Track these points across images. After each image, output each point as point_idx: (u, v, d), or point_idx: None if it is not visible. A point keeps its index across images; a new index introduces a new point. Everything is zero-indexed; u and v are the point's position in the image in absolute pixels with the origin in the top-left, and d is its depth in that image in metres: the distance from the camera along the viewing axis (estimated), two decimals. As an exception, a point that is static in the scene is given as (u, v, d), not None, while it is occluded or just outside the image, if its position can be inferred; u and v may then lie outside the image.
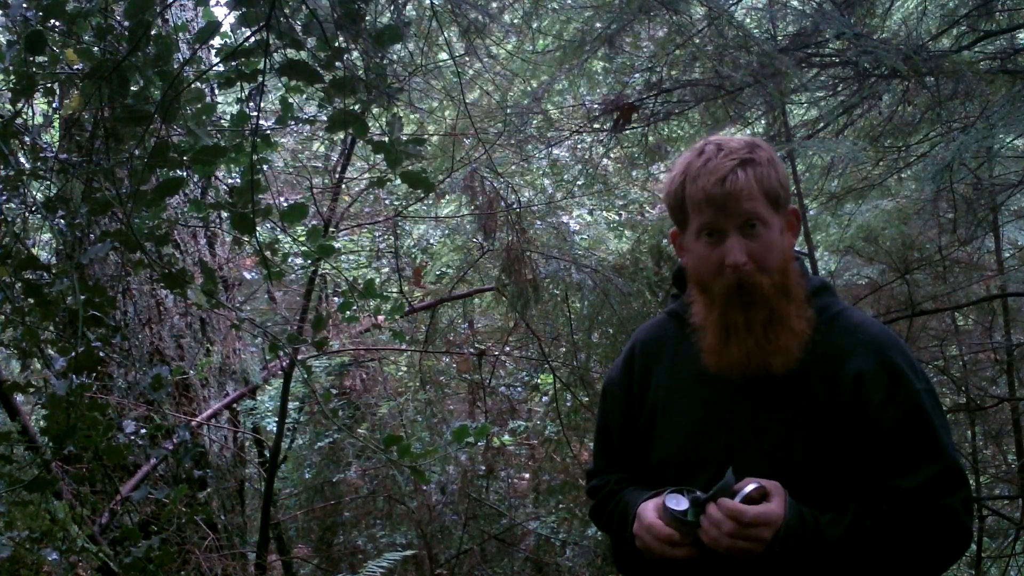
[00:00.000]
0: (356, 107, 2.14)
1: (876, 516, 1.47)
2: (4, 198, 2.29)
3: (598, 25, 3.38)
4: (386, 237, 5.24)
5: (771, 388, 1.55)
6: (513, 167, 4.27)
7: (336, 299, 4.66)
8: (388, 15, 2.75)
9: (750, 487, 1.45)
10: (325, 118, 2.19)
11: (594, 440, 1.88)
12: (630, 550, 1.61)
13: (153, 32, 2.04)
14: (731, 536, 1.43)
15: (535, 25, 3.66)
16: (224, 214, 3.15)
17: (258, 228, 2.22)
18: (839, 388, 1.52)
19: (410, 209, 4.64)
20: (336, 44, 2.03)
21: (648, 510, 1.54)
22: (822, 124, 3.87)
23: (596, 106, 3.81)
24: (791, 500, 1.47)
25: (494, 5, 3.46)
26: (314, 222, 3.80)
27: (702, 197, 1.52)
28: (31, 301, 2.28)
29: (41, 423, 2.35)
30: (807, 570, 1.47)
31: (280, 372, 4.23)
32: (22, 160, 2.34)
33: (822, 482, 1.50)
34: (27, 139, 2.31)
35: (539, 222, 4.23)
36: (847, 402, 1.51)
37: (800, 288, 1.57)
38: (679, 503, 1.49)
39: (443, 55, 3.51)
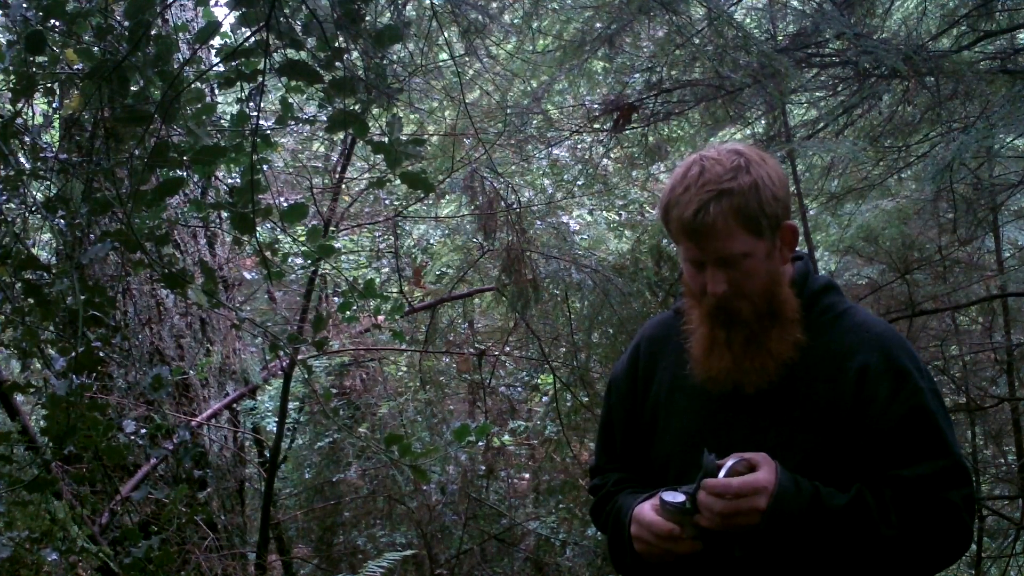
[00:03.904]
0: (356, 107, 2.14)
1: (878, 497, 1.47)
2: (4, 198, 2.29)
3: (598, 25, 3.38)
4: (386, 237, 5.24)
5: (773, 387, 1.55)
6: (513, 167, 4.27)
7: (336, 299, 4.65)
8: (388, 15, 2.75)
9: (732, 461, 1.45)
10: (325, 118, 2.19)
11: (597, 436, 1.88)
12: (627, 550, 1.61)
13: (153, 32, 2.04)
14: (724, 514, 1.42)
15: (535, 25, 3.66)
16: (224, 214, 3.16)
17: (258, 228, 2.22)
18: (842, 386, 1.52)
19: (410, 209, 4.64)
20: (336, 44, 2.03)
21: (646, 510, 1.54)
22: (822, 124, 3.87)
23: (596, 106, 3.81)
24: (785, 471, 1.46)
25: (494, 5, 3.45)
26: (314, 222, 3.80)
27: (679, 227, 1.53)
28: (31, 301, 2.28)
29: (41, 423, 2.35)
30: (804, 547, 1.45)
31: (280, 372, 4.23)
32: (22, 160, 2.34)
33: (824, 480, 1.50)
34: (27, 139, 2.31)
35: (539, 222, 4.23)
36: (850, 398, 1.51)
37: (791, 308, 1.57)
38: (675, 496, 1.49)
39: (443, 55, 3.51)
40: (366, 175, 4.87)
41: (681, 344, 1.67)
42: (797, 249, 1.66)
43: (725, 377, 1.56)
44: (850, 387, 1.52)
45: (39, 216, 2.40)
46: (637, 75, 3.76)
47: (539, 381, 5.38)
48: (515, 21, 3.70)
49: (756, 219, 1.50)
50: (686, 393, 1.65)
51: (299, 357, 3.38)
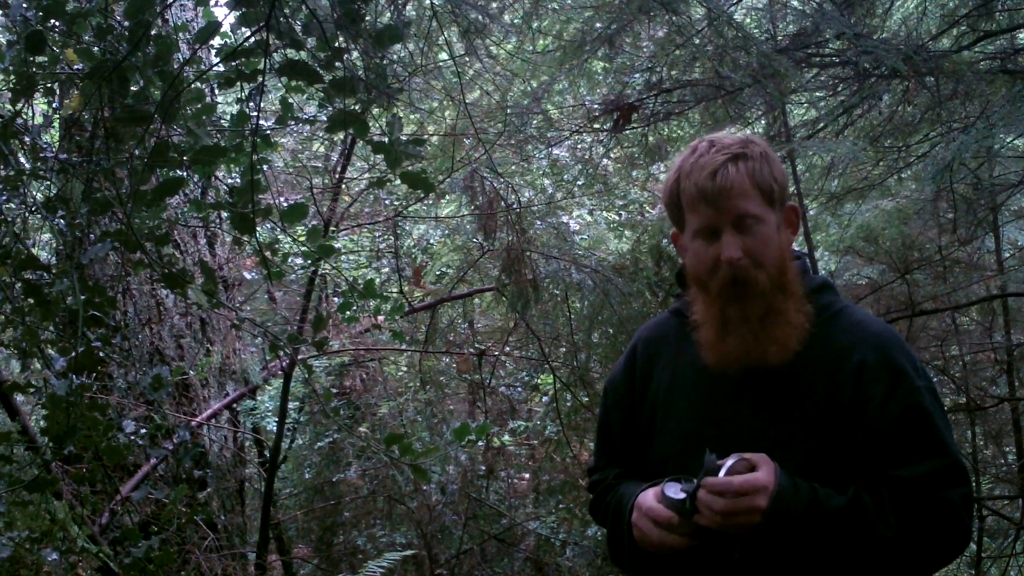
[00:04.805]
0: (356, 107, 2.14)
1: (876, 497, 1.47)
2: (4, 198, 2.29)
3: (598, 25, 3.38)
4: (386, 237, 5.24)
5: (771, 386, 1.55)
6: (513, 167, 4.27)
7: (336, 299, 4.66)
8: (388, 15, 2.75)
9: (732, 461, 1.45)
10: (325, 118, 2.19)
11: (595, 438, 1.88)
12: (626, 541, 1.60)
13: (153, 32, 2.04)
14: (724, 513, 1.42)
15: (535, 25, 3.66)
16: (224, 214, 3.16)
17: (258, 228, 2.22)
18: (840, 385, 1.52)
19: (410, 209, 4.64)
20: (336, 44, 2.03)
21: (648, 498, 1.54)
22: (822, 124, 3.87)
23: (596, 106, 3.81)
24: (783, 471, 1.45)
25: (494, 5, 3.46)
26: (314, 222, 3.80)
27: (695, 192, 1.53)
28: (31, 301, 2.28)
29: (41, 423, 2.35)
30: (802, 548, 1.45)
31: (280, 372, 4.23)
32: (22, 160, 2.34)
33: (822, 481, 1.50)
34: (27, 139, 2.31)
35: (539, 222, 4.23)
36: (848, 397, 1.51)
37: (798, 284, 1.58)
38: (676, 494, 1.49)
39: (443, 55, 3.51)
40: (366, 175, 4.87)
41: (679, 344, 1.67)
42: (796, 249, 1.66)
43: (744, 356, 1.54)
44: (848, 385, 1.52)
45: (39, 216, 2.40)
46: (637, 75, 3.76)
47: (539, 381, 5.38)
48: (515, 21, 3.70)
49: (769, 185, 1.53)
50: (685, 393, 1.65)
51: (299, 357, 3.38)
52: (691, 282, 1.63)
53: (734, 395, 1.58)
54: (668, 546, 1.50)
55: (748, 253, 1.52)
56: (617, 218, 5.21)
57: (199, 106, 2.22)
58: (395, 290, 4.64)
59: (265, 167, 2.50)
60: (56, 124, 3.04)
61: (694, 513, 1.46)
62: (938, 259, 4.31)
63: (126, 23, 2.05)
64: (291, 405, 4.48)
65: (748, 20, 3.97)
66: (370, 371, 5.27)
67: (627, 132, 3.83)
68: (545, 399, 5.25)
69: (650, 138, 3.98)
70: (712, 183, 1.50)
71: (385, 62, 2.19)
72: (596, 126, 3.92)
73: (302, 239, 2.45)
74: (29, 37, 1.99)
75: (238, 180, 2.73)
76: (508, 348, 5.10)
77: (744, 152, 1.52)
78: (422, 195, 3.91)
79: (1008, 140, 3.91)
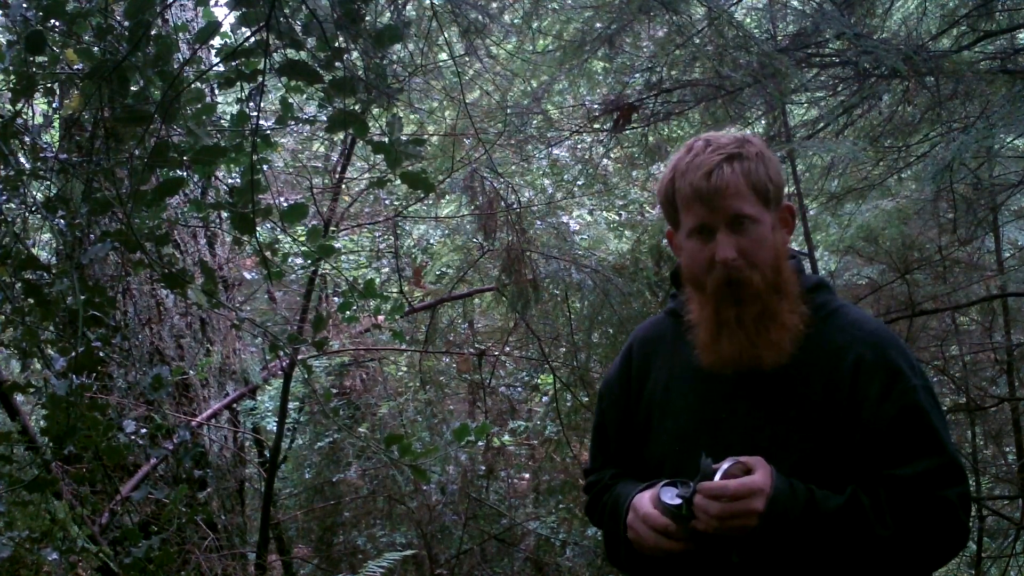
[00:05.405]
0: (356, 107, 2.14)
1: (873, 497, 1.46)
2: (4, 198, 2.29)
3: (598, 25, 3.38)
4: (386, 237, 5.24)
5: (767, 385, 1.55)
6: (513, 167, 4.27)
7: (336, 299, 4.66)
8: (388, 15, 2.75)
9: (727, 464, 1.45)
10: (325, 118, 2.19)
11: (591, 439, 1.88)
12: (622, 541, 1.60)
13: (153, 32, 2.04)
14: (721, 517, 1.42)
15: (535, 25, 3.66)
16: (224, 214, 3.16)
17: (258, 228, 2.22)
18: (837, 384, 1.52)
19: (410, 209, 4.64)
20: (336, 44, 2.03)
21: (644, 501, 1.54)
22: (822, 124, 3.87)
23: (596, 106, 3.81)
24: (780, 474, 1.45)
25: (494, 5, 3.46)
26: (314, 222, 3.80)
27: (690, 192, 1.53)
28: (31, 301, 2.28)
29: (41, 423, 2.35)
30: (800, 550, 1.45)
31: (280, 372, 4.23)
32: (22, 160, 2.34)
33: (819, 481, 1.49)
34: (27, 139, 2.31)
35: (539, 222, 4.23)
36: (845, 396, 1.51)
37: (794, 284, 1.57)
38: (672, 499, 1.49)
39: (443, 55, 3.51)
40: (366, 175, 4.87)
41: (675, 344, 1.67)
42: (792, 248, 1.66)
43: (738, 357, 1.54)
44: (845, 384, 1.51)
45: (39, 216, 2.40)
46: (637, 75, 3.76)
47: (539, 381, 5.38)
48: (515, 21, 3.70)
49: (764, 185, 1.52)
50: (681, 393, 1.64)
51: (299, 357, 3.38)
52: (686, 282, 1.63)
53: (730, 395, 1.57)
54: (665, 550, 1.50)
55: (743, 253, 1.52)
56: (617, 218, 5.21)
57: (199, 106, 2.22)
58: (395, 290, 4.64)
59: (265, 167, 2.50)
60: (56, 124, 3.04)
61: (691, 518, 1.46)
62: (938, 259, 4.31)
63: (126, 23, 2.05)
64: (291, 405, 4.48)
65: (748, 20, 3.98)
66: (370, 371, 5.27)
67: (627, 132, 3.83)
68: (545, 399, 5.25)
69: (650, 138, 3.98)
70: (707, 183, 1.50)
71: (385, 62, 2.19)
72: (596, 126, 3.92)
73: (302, 239, 2.45)
74: (29, 37, 1.99)
75: (238, 180, 2.73)
76: (508, 348, 5.10)
77: (740, 152, 1.52)
78: (422, 195, 3.91)
79: (1008, 140, 3.91)
